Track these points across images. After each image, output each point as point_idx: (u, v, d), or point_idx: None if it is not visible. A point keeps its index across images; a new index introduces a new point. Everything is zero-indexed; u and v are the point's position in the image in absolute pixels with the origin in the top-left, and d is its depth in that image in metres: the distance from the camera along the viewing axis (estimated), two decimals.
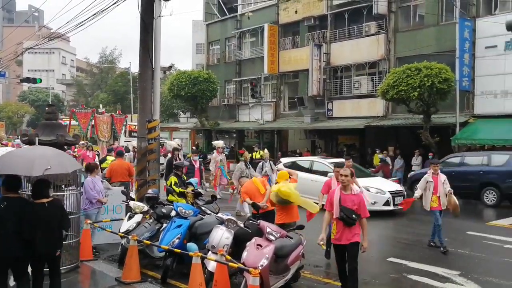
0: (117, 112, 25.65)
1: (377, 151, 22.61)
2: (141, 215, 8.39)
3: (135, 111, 29.14)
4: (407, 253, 9.28)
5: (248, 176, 13.39)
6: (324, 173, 14.21)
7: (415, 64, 19.16)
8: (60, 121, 16.78)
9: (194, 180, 9.86)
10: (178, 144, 16.75)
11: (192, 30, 49.93)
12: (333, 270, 8.09)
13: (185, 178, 12.20)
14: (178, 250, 6.82)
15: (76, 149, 21.59)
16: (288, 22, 29.13)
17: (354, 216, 6.18)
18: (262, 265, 5.93)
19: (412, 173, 18.88)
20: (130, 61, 66.20)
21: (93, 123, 21.75)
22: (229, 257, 6.29)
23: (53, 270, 5.97)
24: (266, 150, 16.33)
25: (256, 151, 23.24)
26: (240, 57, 32.86)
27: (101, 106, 29.82)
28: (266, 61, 29.03)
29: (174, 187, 9.71)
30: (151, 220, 8.12)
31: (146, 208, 8.47)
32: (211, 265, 6.49)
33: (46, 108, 9.04)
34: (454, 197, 9.47)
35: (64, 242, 7.47)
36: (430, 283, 7.41)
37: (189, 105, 31.76)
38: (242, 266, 5.93)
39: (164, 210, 8.03)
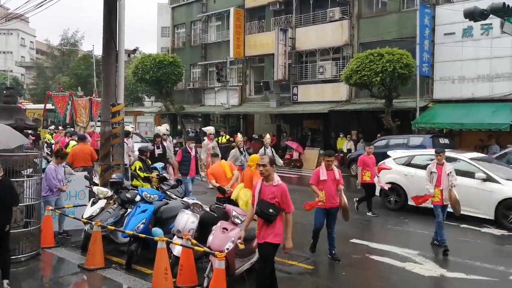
0: (94, 95, 24.31)
1: (341, 135, 23.02)
2: (105, 200, 8.27)
3: (99, 95, 28.42)
4: (369, 234, 9.57)
5: (242, 163, 12.63)
6: (466, 173, 10.82)
7: (377, 49, 19.52)
8: (19, 104, 16.09)
9: (158, 165, 9.78)
10: (167, 129, 15.18)
11: (157, 13, 48.89)
12: (297, 252, 8.27)
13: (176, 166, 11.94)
14: (143, 235, 6.79)
15: (47, 135, 20.69)
16: (254, 6, 28.95)
17: (271, 211, 5.40)
18: (228, 249, 5.99)
19: (350, 153, 20.08)
20: (93, 44, 64.20)
21: (71, 107, 20.38)
22: (194, 241, 6.32)
23: (2, 245, 6.05)
24: (268, 135, 15.19)
25: (222, 136, 23.21)
26: (206, 41, 32.52)
27: (79, 88, 28.37)
28: (232, 45, 28.88)
29: (138, 172, 9.61)
30: (115, 206, 8.02)
31: (110, 193, 8.35)
32: (177, 250, 6.52)
33: (4, 91, 8.74)
34: (455, 192, 8.41)
35: (24, 229, 7.42)
36: (391, 263, 7.68)
37: (153, 89, 31.29)
38: (208, 250, 5.98)
39: (128, 195, 7.95)
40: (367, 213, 11.38)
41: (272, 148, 14.91)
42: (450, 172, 8.42)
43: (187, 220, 6.81)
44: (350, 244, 8.80)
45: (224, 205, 6.92)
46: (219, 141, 20.75)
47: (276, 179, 5.60)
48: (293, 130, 28.16)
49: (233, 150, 13.56)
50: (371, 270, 7.43)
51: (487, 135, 18.70)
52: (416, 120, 19.65)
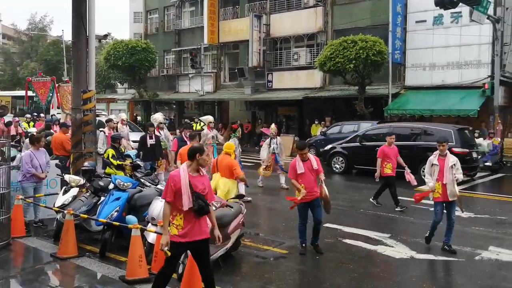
0: None
1: (316, 122, 23.22)
2: (77, 188, 8.17)
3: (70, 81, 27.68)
4: (342, 218, 9.72)
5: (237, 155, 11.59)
6: None
7: (351, 36, 19.69)
8: None
9: (132, 152, 9.67)
10: (164, 118, 13.91)
11: None
12: (272, 238, 8.37)
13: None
14: (117, 223, 6.74)
15: (23, 123, 19.90)
16: None
17: (209, 203, 5.01)
18: None
19: (308, 139, 20.49)
20: (62, 29, 62.22)
21: (52, 94, 19.17)
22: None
23: None
24: (273, 125, 14.11)
25: (197, 123, 23.07)
26: (180, 27, 32.13)
27: (65, 74, 27.12)
28: (206, 31, 28.63)
29: (111, 159, 9.50)
30: (88, 194, 7.94)
31: (82, 181, 8.25)
32: (151, 237, 6.51)
33: None
34: (456, 188, 7.56)
35: None
36: (363, 246, 7.85)
37: (126, 75, 30.84)
38: None
39: (101, 183, 7.87)
40: (396, 209, 10.49)
41: (279, 140, 13.72)
42: (454, 165, 7.54)
43: (161, 207, 6.78)
44: (323, 228, 8.89)
45: None
46: (194, 129, 20.62)
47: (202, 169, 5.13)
48: (268, 117, 28.22)
49: (230, 141, 12.48)
50: (343, 253, 7.57)
51: (455, 121, 19.19)
52: (388, 107, 19.98)
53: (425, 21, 20.24)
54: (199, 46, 29.30)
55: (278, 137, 13.68)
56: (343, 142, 16.66)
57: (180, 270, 6.01)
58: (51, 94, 19.30)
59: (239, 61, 28.32)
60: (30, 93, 21.19)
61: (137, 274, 5.97)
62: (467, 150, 14.02)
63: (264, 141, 13.77)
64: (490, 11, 17.48)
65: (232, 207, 6.98)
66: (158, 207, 6.81)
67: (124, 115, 15.11)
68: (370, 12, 22.10)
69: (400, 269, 6.92)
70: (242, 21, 27.33)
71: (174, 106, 34.29)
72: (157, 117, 13.07)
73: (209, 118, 14.30)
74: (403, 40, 20.87)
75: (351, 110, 21.37)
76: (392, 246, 7.83)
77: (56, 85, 19.25)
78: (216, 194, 7.83)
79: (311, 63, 23.83)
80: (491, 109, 18.07)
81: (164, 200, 6.84)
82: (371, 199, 11.17)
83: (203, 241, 4.98)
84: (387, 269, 6.83)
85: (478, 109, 17.81)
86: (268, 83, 26.30)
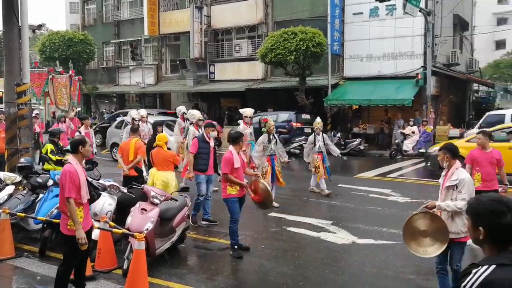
0: (71, 71, 20.12)
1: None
2: (13, 186, 7.82)
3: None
4: (286, 207, 9.91)
5: (274, 152, 10.19)
6: None
7: (291, 28, 19.97)
8: None
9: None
10: (201, 118, 11.28)
11: None
12: (217, 229, 8.42)
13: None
14: (57, 221, 6.52)
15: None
16: None
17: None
18: (147, 229, 5.96)
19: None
20: None
21: (52, 86, 16.98)
22: (112, 224, 6.22)
23: None
24: (318, 119, 11.64)
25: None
26: (119, 18, 31.23)
27: (58, 63, 24.62)
28: (146, 22, 28.03)
29: (50, 155, 9.16)
30: (25, 191, 7.62)
31: (18, 178, 7.90)
32: (94, 233, 6.33)
33: None
34: (453, 223, 5.03)
35: None
36: (307, 233, 8.07)
37: (64, 68, 29.56)
38: (126, 231, 5.91)
39: (39, 180, 7.58)
40: None
41: (325, 136, 11.64)
42: (456, 186, 4.96)
43: (104, 203, 6.68)
44: (268, 217, 9.10)
45: (142, 185, 6.86)
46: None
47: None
48: (211, 108, 28.16)
49: (261, 137, 10.46)
50: (288, 241, 7.75)
51: (384, 110, 20.16)
52: (328, 97, 20.50)
53: (361, 13, 20.87)
54: (140, 38, 28.64)
55: (324, 134, 11.54)
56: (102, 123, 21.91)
57: (125, 266, 5.94)
58: (47, 87, 17.23)
59: (181, 52, 27.97)
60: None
61: None
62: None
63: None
64: (422, 4, 18.31)
65: (177, 200, 6.96)
66: (100, 202, 6.69)
67: (144, 112, 13.08)
68: (310, 4, 22.49)
69: (343, 254, 7.18)
70: (183, 13, 26.97)
71: (115, 99, 33.36)
72: (195, 113, 11.26)
73: (247, 111, 11.85)
74: (341, 31, 21.42)
75: (292, 101, 21.72)
76: (335, 233, 8.09)
77: (50, 76, 17.19)
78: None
79: (253, 55, 23.95)
80: (424, 98, 19.00)
81: (107, 195, 6.70)
82: None
83: (91, 229, 5.33)
84: (330, 255, 7.05)
85: (412, 98, 18.65)
86: (211, 75, 26.19)
